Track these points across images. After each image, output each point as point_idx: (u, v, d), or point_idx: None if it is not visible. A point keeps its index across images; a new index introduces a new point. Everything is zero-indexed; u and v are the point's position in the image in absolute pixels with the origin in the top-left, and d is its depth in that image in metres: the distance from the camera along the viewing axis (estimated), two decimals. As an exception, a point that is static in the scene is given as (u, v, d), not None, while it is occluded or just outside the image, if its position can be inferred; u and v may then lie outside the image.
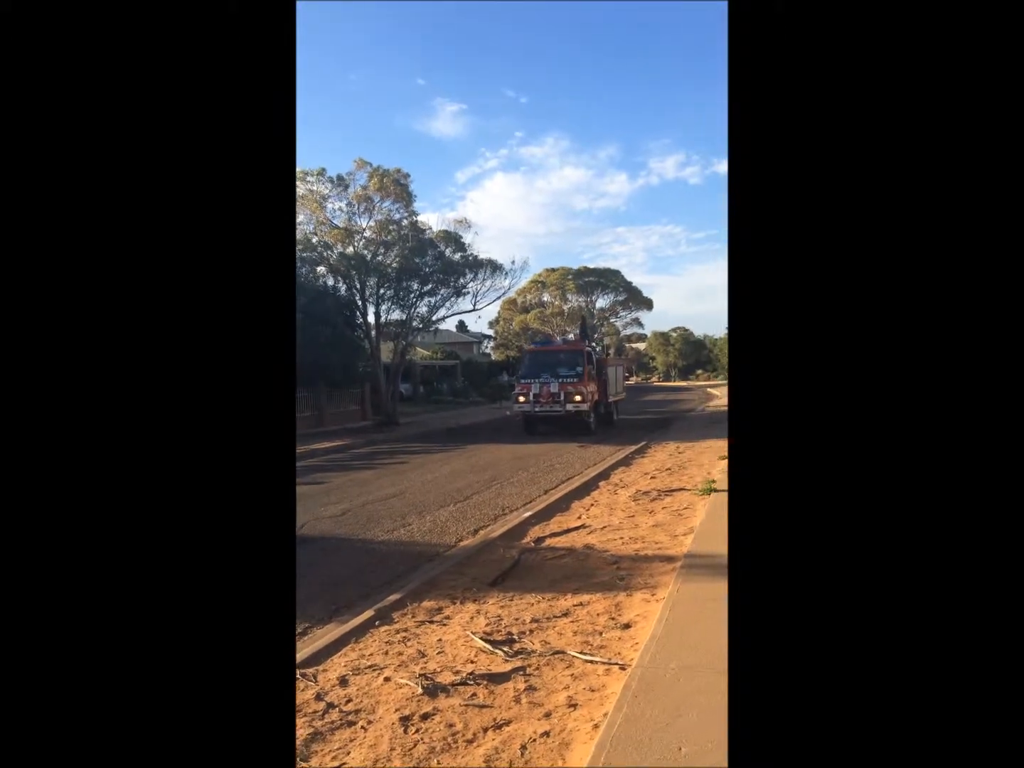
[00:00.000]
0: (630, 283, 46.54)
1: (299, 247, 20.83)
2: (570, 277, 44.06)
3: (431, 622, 4.22)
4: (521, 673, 3.42)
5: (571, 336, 18.23)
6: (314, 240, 21.14)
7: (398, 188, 21.54)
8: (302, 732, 2.89)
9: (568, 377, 15.75)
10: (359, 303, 21.86)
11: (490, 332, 48.46)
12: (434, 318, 23.67)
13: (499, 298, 26.23)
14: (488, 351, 51.77)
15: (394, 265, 21.32)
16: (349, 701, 3.19)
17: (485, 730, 2.89)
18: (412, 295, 22.36)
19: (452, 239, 22.92)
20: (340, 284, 21.66)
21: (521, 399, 16.02)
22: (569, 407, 15.36)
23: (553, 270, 45.26)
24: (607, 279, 45.86)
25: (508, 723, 2.94)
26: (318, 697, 3.22)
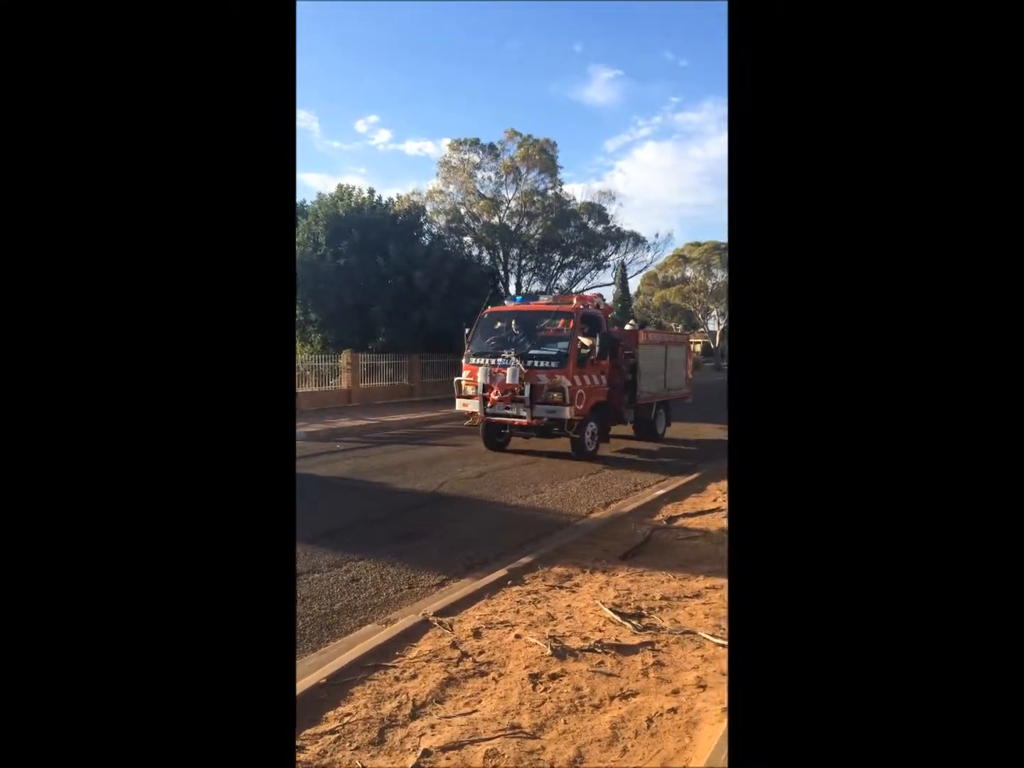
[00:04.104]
0: (782, 259, 43.83)
1: (447, 217, 21.52)
2: (717, 251, 42.25)
3: (561, 587, 4.31)
4: (649, 648, 3.42)
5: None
6: (462, 211, 21.71)
7: (544, 158, 21.59)
8: (438, 676, 3.08)
9: (544, 360, 9.03)
10: (501, 273, 22.28)
11: (629, 306, 47.65)
12: (573, 290, 23.70)
13: (640, 272, 25.82)
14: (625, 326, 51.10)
15: (536, 236, 21.49)
16: (482, 652, 3.35)
17: (612, 698, 2.93)
18: (553, 267, 22.47)
19: (595, 210, 22.70)
20: (484, 254, 22.18)
21: (468, 389, 9.46)
22: (540, 412, 8.88)
23: (698, 244, 43.62)
24: (757, 255, 43.39)
25: (635, 695, 2.96)
26: (453, 645, 3.41)
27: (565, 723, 2.72)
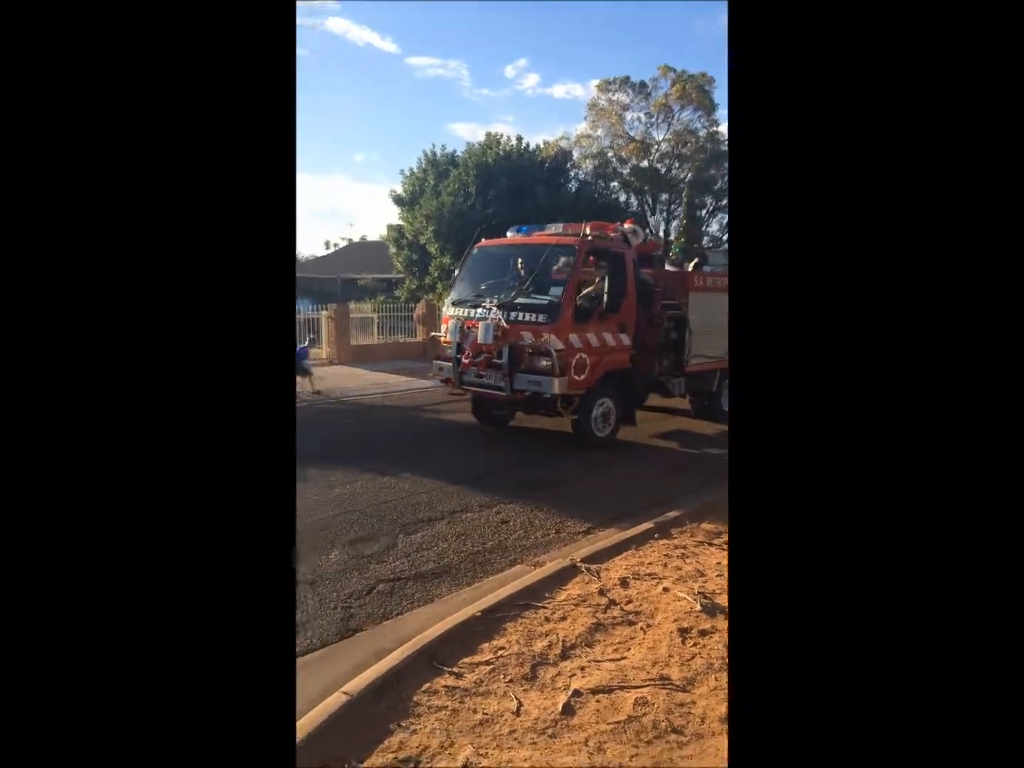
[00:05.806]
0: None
1: (595, 162, 21.01)
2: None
3: (711, 544, 4.22)
4: (806, 614, 3.28)
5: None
6: (610, 154, 21.10)
7: (700, 95, 20.36)
8: (587, 620, 3.15)
9: (531, 311, 6.51)
10: (649, 220, 21.57)
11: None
12: (724, 237, 22.50)
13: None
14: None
15: (687, 179, 20.49)
16: (629, 602, 3.37)
17: (765, 660, 2.85)
18: (704, 211, 21.40)
19: (754, 150, 21.23)
20: (632, 199, 21.53)
21: (445, 348, 7.17)
22: (522, 382, 6.46)
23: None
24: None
25: (790, 660, 2.86)
26: (601, 592, 3.46)
27: (716, 680, 2.70)
